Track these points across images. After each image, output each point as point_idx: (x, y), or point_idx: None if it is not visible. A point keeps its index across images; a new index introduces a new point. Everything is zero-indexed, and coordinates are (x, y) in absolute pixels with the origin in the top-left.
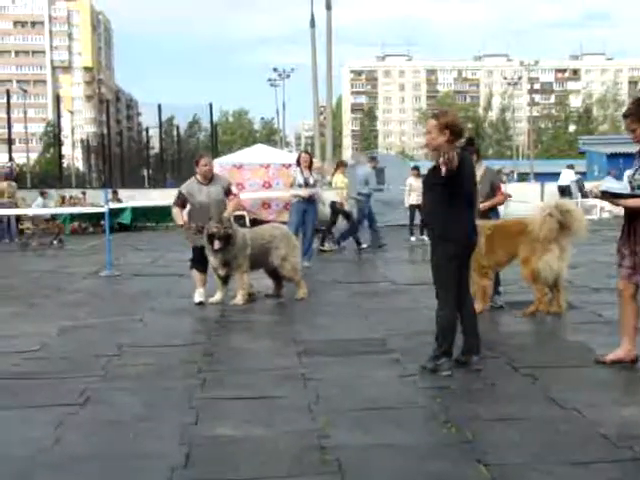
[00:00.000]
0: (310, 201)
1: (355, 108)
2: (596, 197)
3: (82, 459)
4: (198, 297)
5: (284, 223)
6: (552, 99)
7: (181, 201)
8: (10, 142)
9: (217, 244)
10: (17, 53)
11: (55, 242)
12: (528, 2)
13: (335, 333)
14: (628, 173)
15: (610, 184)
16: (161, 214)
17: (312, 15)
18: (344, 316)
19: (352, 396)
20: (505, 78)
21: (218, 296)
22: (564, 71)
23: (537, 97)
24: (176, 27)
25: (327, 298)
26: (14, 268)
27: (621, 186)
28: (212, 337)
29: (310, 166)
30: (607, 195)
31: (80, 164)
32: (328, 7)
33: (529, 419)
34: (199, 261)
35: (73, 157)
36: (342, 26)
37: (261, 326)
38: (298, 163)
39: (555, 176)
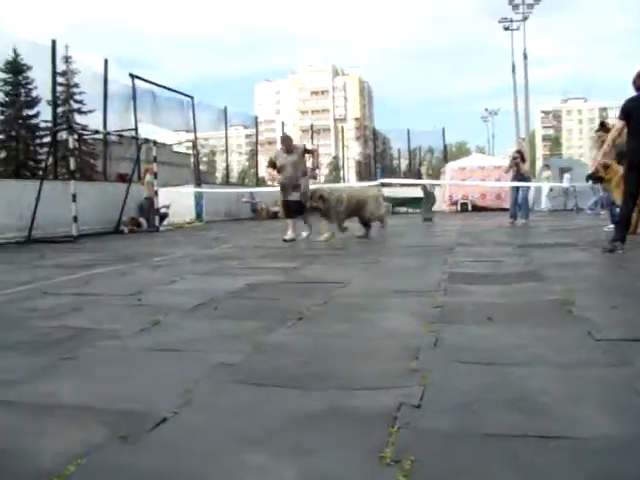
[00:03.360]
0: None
1: (545, 138)
2: None
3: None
4: (286, 236)
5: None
6: None
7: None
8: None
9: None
10: (313, 112)
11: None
12: None
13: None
14: None
15: None
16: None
17: (513, 64)
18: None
19: (406, 276)
20: None
21: (327, 235)
22: None
23: None
24: (417, 85)
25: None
26: None
27: None
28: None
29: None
30: None
31: (353, 177)
32: (525, 57)
33: None
34: (289, 212)
35: (347, 175)
36: (535, 79)
37: (355, 247)
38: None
39: None
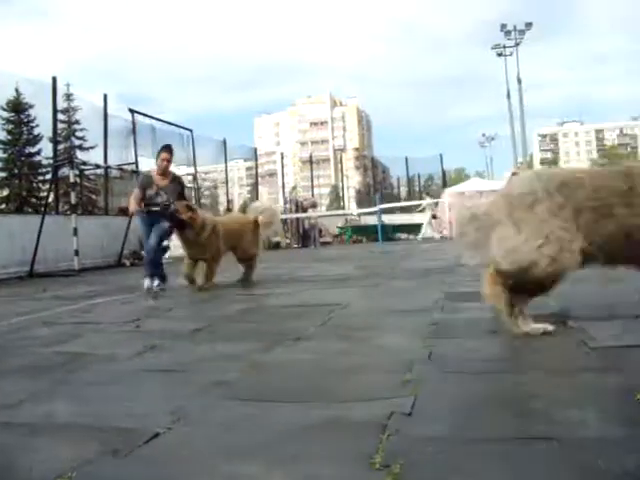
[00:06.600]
0: None
1: (543, 162)
2: None
3: None
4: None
5: None
6: None
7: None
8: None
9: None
10: (312, 143)
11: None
12: None
13: None
14: None
15: None
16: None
17: (507, 89)
18: None
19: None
20: None
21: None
22: None
23: None
24: (415, 114)
25: None
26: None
27: None
28: None
29: None
30: None
31: (353, 206)
32: (519, 81)
33: None
34: None
35: (349, 202)
36: (532, 103)
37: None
38: None
39: None
